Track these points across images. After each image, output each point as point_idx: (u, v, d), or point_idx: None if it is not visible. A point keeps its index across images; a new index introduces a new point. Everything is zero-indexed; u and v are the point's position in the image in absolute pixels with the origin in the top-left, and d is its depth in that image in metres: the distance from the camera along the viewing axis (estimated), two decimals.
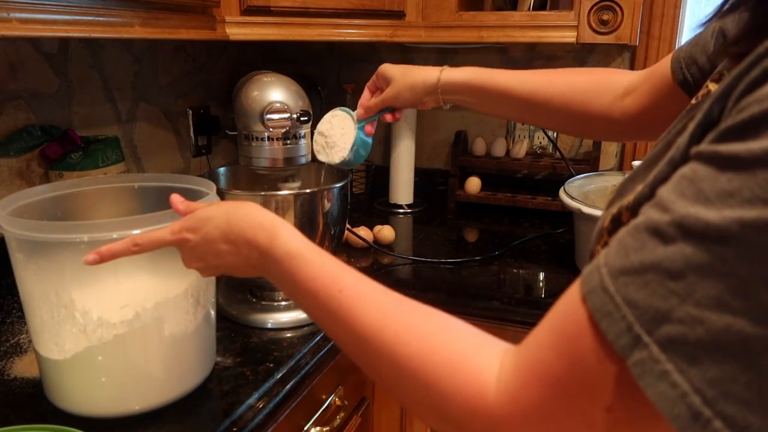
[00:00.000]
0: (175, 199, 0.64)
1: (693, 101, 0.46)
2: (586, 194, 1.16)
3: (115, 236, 0.61)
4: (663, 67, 0.70)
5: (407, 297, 0.46)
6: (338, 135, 0.93)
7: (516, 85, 0.80)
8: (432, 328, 0.41)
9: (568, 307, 0.33)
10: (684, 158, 0.30)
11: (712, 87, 0.44)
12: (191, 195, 0.71)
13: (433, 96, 0.85)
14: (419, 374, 0.39)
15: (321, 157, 0.95)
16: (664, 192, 0.29)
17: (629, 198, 0.35)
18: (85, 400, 0.69)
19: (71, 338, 0.65)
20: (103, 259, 0.59)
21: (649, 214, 0.29)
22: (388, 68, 0.89)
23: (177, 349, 0.70)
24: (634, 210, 0.33)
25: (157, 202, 0.77)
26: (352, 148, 0.91)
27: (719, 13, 0.35)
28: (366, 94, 0.93)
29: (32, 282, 0.65)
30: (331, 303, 0.46)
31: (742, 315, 0.25)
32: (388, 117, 0.92)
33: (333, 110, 0.96)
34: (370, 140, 0.93)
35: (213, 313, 0.77)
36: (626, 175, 0.41)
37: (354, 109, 0.94)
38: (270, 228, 0.54)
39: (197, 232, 0.58)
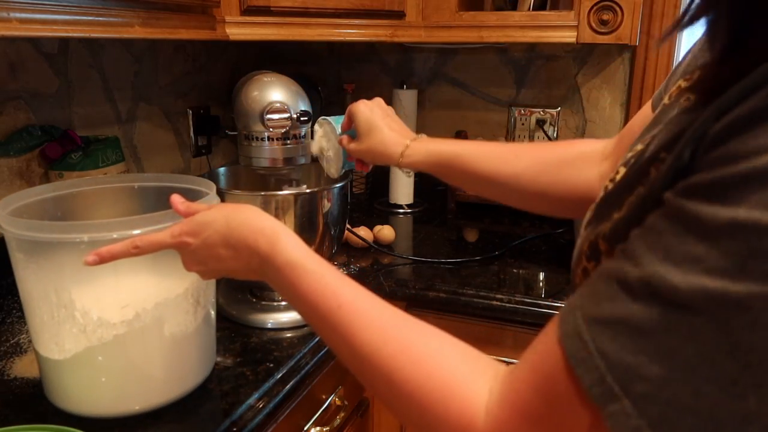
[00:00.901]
0: (176, 199, 0.64)
1: (666, 100, 0.46)
2: None
3: (115, 236, 0.60)
4: (641, 116, 0.65)
5: (403, 312, 0.47)
6: (332, 149, 0.94)
7: (481, 159, 0.75)
8: (427, 351, 0.42)
9: (546, 347, 0.33)
10: (655, 200, 0.30)
11: (683, 84, 0.44)
12: (191, 195, 0.71)
13: (396, 166, 0.81)
14: (413, 397, 0.40)
15: (328, 172, 0.97)
16: (635, 240, 0.29)
17: (606, 226, 0.35)
18: (85, 400, 0.69)
19: (71, 338, 0.65)
20: (102, 260, 0.59)
21: (621, 263, 0.30)
22: (358, 116, 0.83)
23: (177, 349, 0.70)
24: (610, 242, 0.34)
25: (156, 202, 0.77)
26: (343, 163, 0.91)
27: (679, 26, 0.34)
28: (346, 121, 0.89)
29: (32, 282, 0.65)
30: (330, 317, 0.47)
31: (707, 382, 0.25)
32: (357, 166, 0.89)
33: (320, 121, 0.95)
34: None
35: (213, 313, 0.77)
36: (601, 194, 0.41)
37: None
38: (271, 234, 0.54)
39: (197, 236, 0.58)
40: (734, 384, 0.25)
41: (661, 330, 0.27)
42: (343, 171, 0.93)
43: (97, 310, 0.64)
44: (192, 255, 0.59)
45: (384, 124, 0.81)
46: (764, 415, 0.25)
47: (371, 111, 0.83)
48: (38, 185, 0.79)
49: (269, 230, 0.54)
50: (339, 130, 0.91)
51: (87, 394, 0.69)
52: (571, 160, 0.71)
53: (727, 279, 0.25)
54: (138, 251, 0.59)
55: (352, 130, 0.87)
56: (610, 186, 0.40)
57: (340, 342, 0.47)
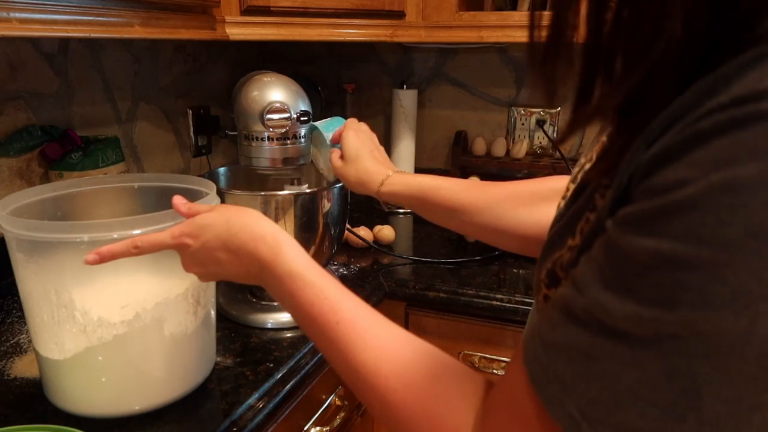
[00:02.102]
0: (177, 200, 0.63)
1: None
2: None
3: (115, 236, 0.60)
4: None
5: (399, 329, 0.47)
6: (320, 156, 0.96)
7: (459, 190, 0.74)
8: (421, 376, 0.43)
9: (514, 372, 0.35)
10: (602, 228, 0.30)
11: None
12: (191, 195, 0.71)
13: (375, 195, 0.81)
14: (403, 420, 0.42)
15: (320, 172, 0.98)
16: (582, 268, 0.31)
17: (563, 254, 0.36)
18: (85, 400, 0.69)
19: (71, 338, 0.65)
20: (103, 260, 0.59)
21: (569, 291, 0.31)
22: (347, 142, 0.84)
23: (177, 349, 0.70)
24: (567, 270, 0.35)
25: (157, 202, 0.77)
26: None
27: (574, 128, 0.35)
28: (337, 136, 0.90)
29: (32, 282, 0.65)
30: (328, 332, 0.48)
31: (651, 405, 0.26)
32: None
33: (309, 126, 0.95)
34: None
35: (213, 313, 0.77)
36: (555, 214, 0.41)
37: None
38: (272, 242, 0.54)
39: (197, 239, 0.58)
40: (674, 406, 0.26)
41: (606, 356, 0.28)
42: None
43: (98, 310, 0.64)
44: (191, 257, 0.59)
45: (370, 155, 0.83)
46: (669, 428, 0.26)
47: (361, 141, 0.84)
48: (38, 185, 0.79)
49: (270, 238, 0.55)
50: (328, 135, 0.92)
51: (87, 394, 0.68)
52: (544, 194, 0.70)
53: (656, 309, 0.26)
54: (138, 251, 0.59)
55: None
56: (562, 204, 0.41)
57: (336, 357, 0.48)
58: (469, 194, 0.73)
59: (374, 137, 0.87)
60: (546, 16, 0.33)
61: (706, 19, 0.27)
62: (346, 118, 0.93)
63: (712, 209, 0.24)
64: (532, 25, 0.34)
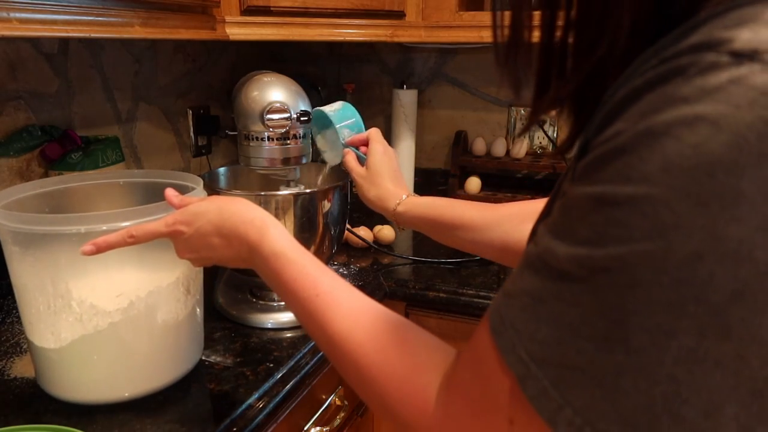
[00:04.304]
0: (170, 193, 0.66)
1: None
2: None
3: (104, 228, 0.63)
4: None
5: (376, 303, 0.50)
6: (327, 143, 0.94)
7: (472, 207, 0.76)
8: (393, 340, 0.46)
9: (480, 332, 0.36)
10: (562, 193, 0.33)
11: None
12: (179, 190, 0.72)
13: (390, 211, 0.81)
14: (376, 382, 0.44)
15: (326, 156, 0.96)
16: (541, 226, 0.33)
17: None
18: (80, 388, 0.70)
19: (67, 327, 0.67)
20: (99, 250, 0.61)
21: (529, 246, 0.34)
22: (375, 156, 0.84)
23: (169, 336, 0.72)
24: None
25: (146, 197, 0.79)
26: (339, 152, 0.90)
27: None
28: (361, 139, 0.89)
29: (28, 274, 0.67)
30: (308, 305, 0.51)
31: (587, 341, 0.28)
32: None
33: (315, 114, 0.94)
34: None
35: (201, 301, 0.79)
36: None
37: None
38: (260, 225, 0.58)
39: (191, 225, 0.61)
40: (605, 340, 0.28)
41: (552, 298, 0.30)
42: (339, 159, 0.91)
43: (93, 299, 0.66)
44: (185, 243, 0.62)
45: (393, 174, 0.84)
46: (633, 366, 0.27)
47: (388, 159, 0.84)
48: (23, 183, 0.79)
49: (258, 221, 0.58)
50: (342, 129, 0.89)
51: (82, 381, 0.70)
52: None
53: (591, 247, 0.28)
54: (133, 240, 0.62)
55: (363, 154, 0.86)
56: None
57: (315, 328, 0.50)
58: (478, 211, 0.75)
59: (396, 157, 0.87)
60: (507, 16, 0.36)
61: (650, 14, 0.30)
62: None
63: (636, 151, 0.26)
64: (495, 25, 0.37)
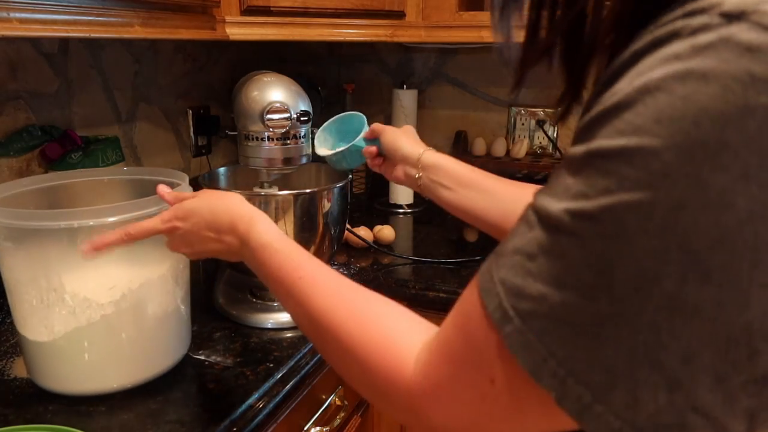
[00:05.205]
0: (162, 189, 0.69)
1: None
2: None
3: (91, 223, 0.65)
4: None
5: (357, 284, 0.51)
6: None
7: (498, 182, 0.76)
8: (371, 313, 0.47)
9: (468, 288, 0.37)
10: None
11: None
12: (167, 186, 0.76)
13: (412, 169, 0.81)
14: (356, 352, 0.45)
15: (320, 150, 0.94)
16: (537, 190, 0.34)
17: None
18: (71, 380, 0.71)
19: (61, 320, 0.68)
20: (97, 250, 0.64)
21: (527, 207, 0.35)
22: (384, 135, 0.85)
23: (159, 327, 0.74)
24: None
25: (140, 194, 0.80)
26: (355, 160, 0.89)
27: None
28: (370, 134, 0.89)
29: (21, 268, 0.68)
30: (292, 289, 0.53)
31: (572, 291, 0.29)
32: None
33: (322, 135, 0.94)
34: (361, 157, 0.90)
35: (188, 294, 0.81)
36: None
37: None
38: (248, 220, 0.61)
39: (186, 221, 0.64)
40: (591, 289, 0.28)
41: (542, 252, 0.31)
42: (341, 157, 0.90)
43: (86, 291, 0.68)
44: (180, 238, 0.65)
45: (405, 135, 0.85)
46: (616, 314, 0.28)
47: (402, 132, 0.86)
48: (7, 181, 0.80)
49: (247, 216, 0.61)
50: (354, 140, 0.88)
51: (73, 373, 0.71)
52: None
53: (582, 200, 0.29)
54: (130, 238, 0.64)
55: (376, 140, 0.87)
56: None
57: (299, 310, 0.52)
58: (503, 184, 0.76)
59: (411, 129, 0.88)
60: None
61: None
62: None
63: (630, 107, 0.28)
64: None
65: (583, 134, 0.30)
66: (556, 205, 0.30)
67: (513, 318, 0.31)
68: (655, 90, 0.27)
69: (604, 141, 0.28)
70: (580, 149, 0.30)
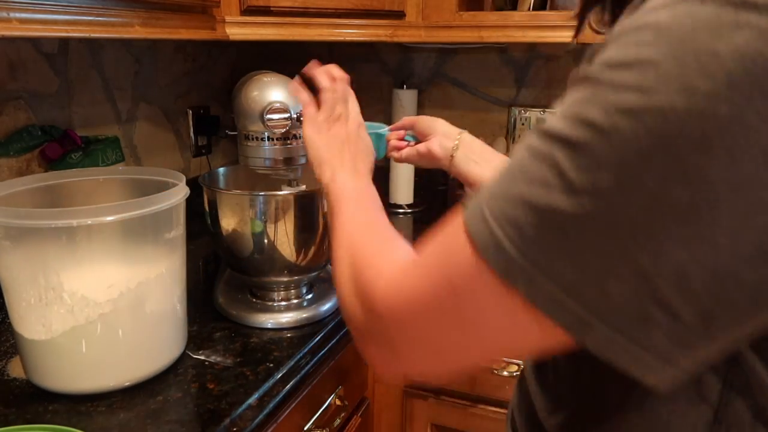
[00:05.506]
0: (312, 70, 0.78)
1: None
2: None
3: (90, 222, 0.65)
4: None
5: (381, 221, 0.58)
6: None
7: None
8: (380, 230, 0.56)
9: (454, 219, 0.38)
10: None
11: None
12: (162, 186, 0.77)
13: (450, 141, 0.87)
14: (354, 258, 0.52)
15: None
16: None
17: None
18: (68, 378, 0.71)
19: (59, 319, 0.68)
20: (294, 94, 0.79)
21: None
22: (418, 123, 0.91)
23: (158, 325, 0.75)
24: None
25: (140, 193, 0.79)
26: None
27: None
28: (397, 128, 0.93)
29: (19, 267, 0.68)
30: (333, 210, 0.62)
31: (533, 183, 0.31)
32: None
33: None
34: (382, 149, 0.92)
35: (185, 293, 0.81)
36: None
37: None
38: (350, 166, 0.68)
39: (347, 105, 0.73)
40: (574, 192, 0.30)
41: (530, 160, 0.32)
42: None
43: (85, 290, 0.68)
44: (334, 103, 0.72)
45: (442, 126, 0.91)
46: (600, 213, 0.29)
47: (434, 120, 0.92)
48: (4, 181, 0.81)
49: (349, 162, 0.68)
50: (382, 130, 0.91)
51: (70, 371, 0.71)
52: None
53: (581, 105, 0.31)
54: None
55: (409, 134, 0.91)
56: None
57: (331, 224, 0.60)
58: None
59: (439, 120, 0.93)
60: None
61: None
62: None
63: (640, 29, 0.29)
64: None
65: (587, 58, 0.32)
66: (556, 120, 0.32)
67: (488, 221, 0.33)
68: (649, 26, 0.29)
69: (599, 67, 0.31)
70: (579, 73, 0.32)
